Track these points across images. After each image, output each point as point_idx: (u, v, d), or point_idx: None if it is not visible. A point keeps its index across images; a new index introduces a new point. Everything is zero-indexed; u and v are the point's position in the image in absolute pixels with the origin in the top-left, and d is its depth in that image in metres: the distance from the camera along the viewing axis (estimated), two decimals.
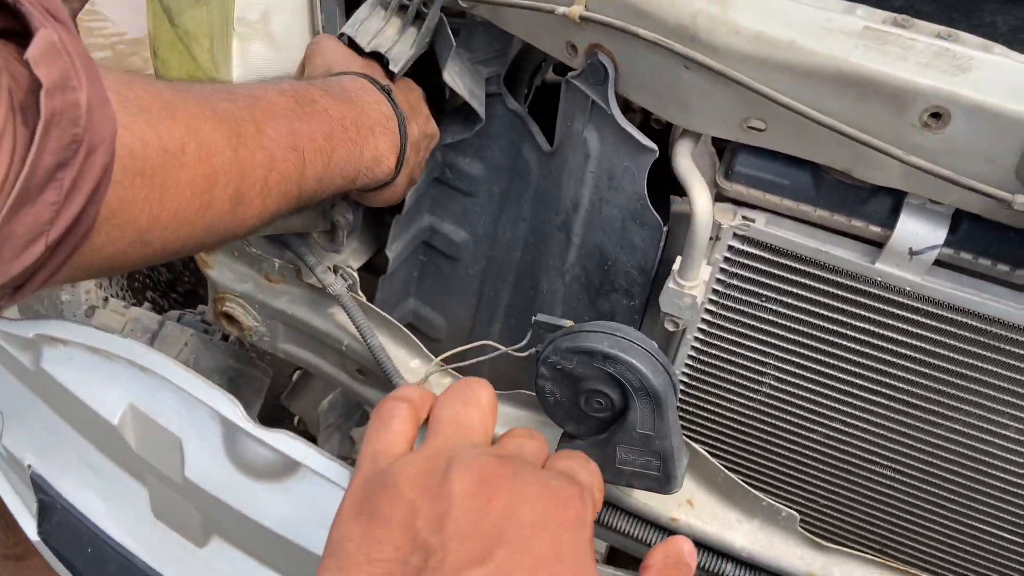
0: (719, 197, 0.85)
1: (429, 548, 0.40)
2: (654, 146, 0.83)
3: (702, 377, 0.99)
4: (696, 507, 0.88)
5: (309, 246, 1.04)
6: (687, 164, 0.80)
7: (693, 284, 0.84)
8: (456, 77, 0.96)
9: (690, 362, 0.98)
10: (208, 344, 1.25)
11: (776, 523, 0.86)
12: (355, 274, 0.99)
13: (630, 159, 0.85)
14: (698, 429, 1.06)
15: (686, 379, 1.00)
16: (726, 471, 0.86)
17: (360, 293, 1.00)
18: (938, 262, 0.79)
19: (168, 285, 1.59)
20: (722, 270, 0.87)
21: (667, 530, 0.88)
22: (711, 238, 0.85)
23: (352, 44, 0.90)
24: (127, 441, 0.91)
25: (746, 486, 0.85)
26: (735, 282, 0.88)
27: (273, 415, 1.53)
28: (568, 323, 0.84)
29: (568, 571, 0.40)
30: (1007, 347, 0.80)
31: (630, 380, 0.77)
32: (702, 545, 0.88)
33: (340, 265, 0.99)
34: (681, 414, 1.05)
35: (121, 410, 0.90)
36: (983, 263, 0.78)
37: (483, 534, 0.41)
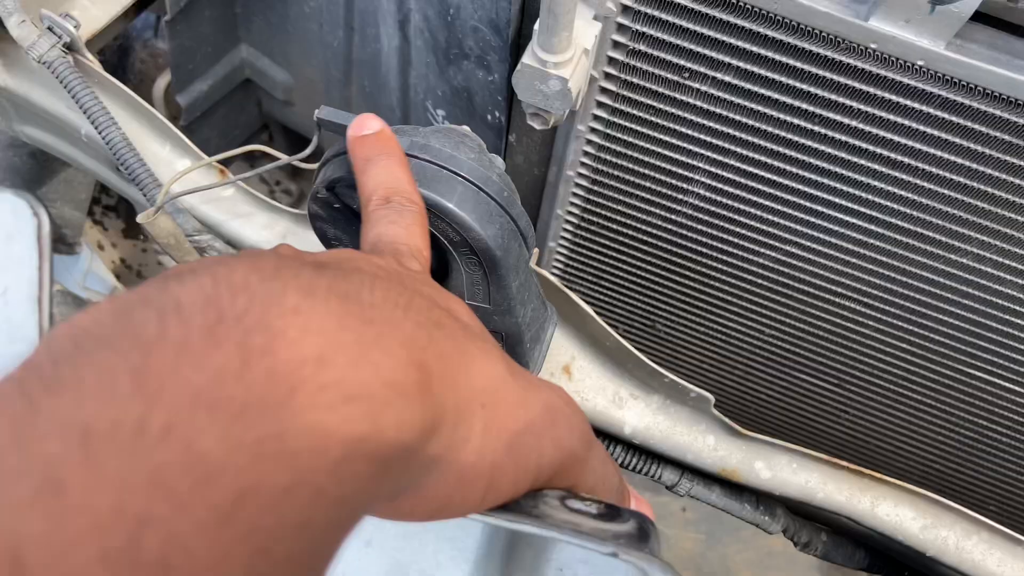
0: None
1: None
2: None
3: (602, 191, 0.68)
4: (575, 377, 0.62)
5: None
6: None
7: (563, 58, 0.50)
8: None
9: (584, 171, 0.66)
10: None
11: (683, 403, 0.60)
12: (71, 27, 0.64)
13: None
14: (598, 261, 0.77)
15: (582, 192, 0.69)
16: (617, 337, 0.58)
17: (88, 54, 0.66)
18: (979, 15, 0.45)
19: None
20: (620, 28, 0.53)
21: None
22: None
23: None
24: None
25: (642, 356, 0.59)
26: (643, 47, 0.54)
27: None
28: None
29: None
30: None
31: (444, 231, 0.47)
32: None
33: (50, 15, 0.64)
34: (577, 239, 0.76)
35: None
36: None
37: None
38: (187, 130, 0.98)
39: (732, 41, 0.51)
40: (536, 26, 0.50)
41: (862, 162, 0.55)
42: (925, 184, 0.55)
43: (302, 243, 0.65)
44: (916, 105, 0.50)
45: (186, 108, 0.94)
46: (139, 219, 0.58)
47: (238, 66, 0.98)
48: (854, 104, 0.51)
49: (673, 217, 0.68)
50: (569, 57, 0.50)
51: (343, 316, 0.24)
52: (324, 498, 0.21)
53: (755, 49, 0.51)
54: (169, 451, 0.18)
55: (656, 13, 0.51)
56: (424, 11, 0.64)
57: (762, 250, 0.67)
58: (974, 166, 0.52)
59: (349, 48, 0.83)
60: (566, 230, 0.76)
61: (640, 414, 0.61)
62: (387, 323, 0.26)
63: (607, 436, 0.63)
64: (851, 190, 0.58)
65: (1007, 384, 0.70)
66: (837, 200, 0.59)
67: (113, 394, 0.19)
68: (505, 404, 0.30)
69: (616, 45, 0.54)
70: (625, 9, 0.51)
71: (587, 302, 0.87)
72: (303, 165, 0.58)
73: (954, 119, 0.49)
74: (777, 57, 0.50)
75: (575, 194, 0.70)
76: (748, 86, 0.53)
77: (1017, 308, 0.61)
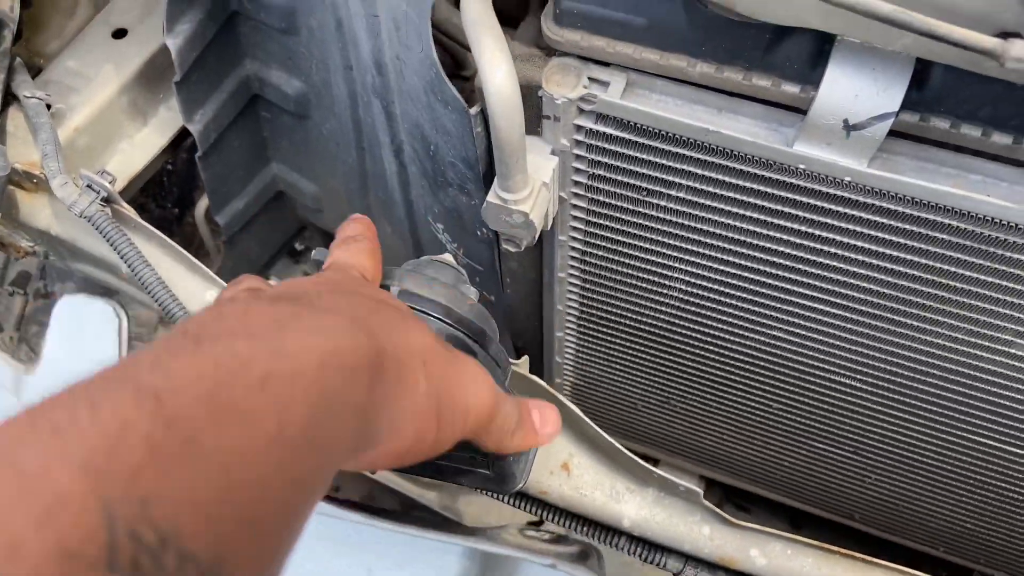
0: (551, 51, 0.53)
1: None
2: None
3: (594, 288, 0.72)
4: (574, 473, 0.65)
5: (56, 142, 0.77)
6: (475, 9, 0.49)
7: (522, 195, 0.55)
8: None
9: (574, 271, 0.71)
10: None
11: (676, 495, 0.63)
12: (107, 183, 0.72)
13: (406, 0, 0.54)
14: (605, 345, 0.81)
15: (576, 290, 0.73)
16: (608, 437, 0.62)
17: (124, 204, 0.74)
18: (895, 132, 0.48)
19: None
20: (578, 157, 0.58)
21: (538, 501, 0.67)
22: (547, 117, 0.55)
23: None
24: None
25: (632, 456, 0.62)
26: (602, 172, 0.58)
27: None
28: None
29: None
30: (1010, 255, 0.51)
31: None
32: (586, 519, 0.66)
33: (88, 174, 0.72)
34: (582, 328, 0.80)
35: None
36: (970, 133, 0.47)
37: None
38: (228, 243, 1.06)
39: (677, 166, 0.55)
40: (496, 164, 0.55)
41: (818, 259, 0.58)
42: (879, 276, 0.57)
43: None
44: (853, 212, 0.53)
45: (224, 226, 1.02)
46: None
47: (270, 182, 1.06)
48: (797, 212, 0.55)
49: (662, 308, 0.72)
50: (527, 194, 0.55)
51: (302, 306, 0.35)
52: (316, 386, 0.31)
53: (699, 171, 0.54)
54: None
55: (605, 146, 0.55)
56: (412, 144, 0.70)
57: (749, 334, 0.70)
58: (920, 260, 0.54)
59: (362, 165, 0.90)
60: (570, 321, 0.80)
61: (637, 507, 0.64)
62: (334, 306, 0.37)
63: (609, 528, 0.66)
64: (816, 282, 0.60)
65: (1012, 448, 0.70)
66: (806, 291, 0.62)
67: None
68: (440, 362, 0.39)
69: (577, 171, 0.59)
70: (577, 143, 0.56)
71: (602, 380, 0.91)
72: None
73: (890, 222, 0.52)
74: (719, 177, 0.54)
75: (570, 291, 0.75)
76: (701, 200, 0.57)
77: (997, 380, 0.63)
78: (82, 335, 0.53)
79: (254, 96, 0.93)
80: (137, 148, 0.88)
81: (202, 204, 1.03)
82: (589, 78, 0.52)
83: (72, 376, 0.54)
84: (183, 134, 0.93)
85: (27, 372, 0.57)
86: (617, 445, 0.63)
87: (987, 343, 0.59)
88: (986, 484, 0.78)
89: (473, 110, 0.55)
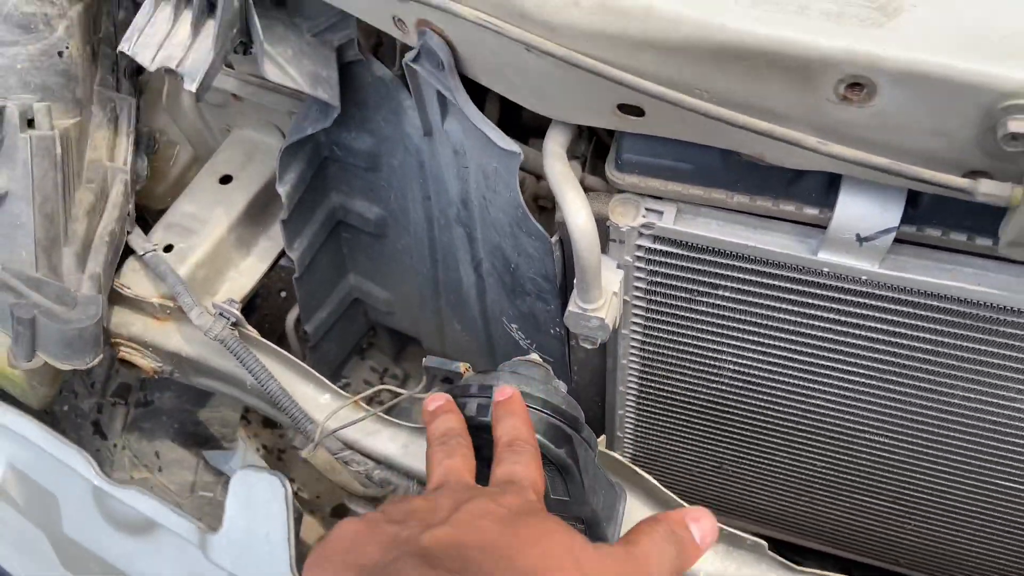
0: (616, 189, 0.67)
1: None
2: (516, 147, 0.64)
3: (651, 372, 0.84)
4: None
5: (183, 281, 0.91)
6: (558, 168, 0.62)
7: (598, 305, 0.68)
8: (290, 66, 0.77)
9: (634, 359, 0.83)
10: None
11: (743, 547, 0.74)
12: (236, 311, 0.85)
13: (496, 159, 0.67)
14: (662, 420, 0.92)
15: (636, 374, 0.85)
16: (679, 500, 0.73)
17: (249, 328, 0.87)
18: (899, 240, 0.60)
19: None
20: (639, 268, 0.70)
21: None
22: (614, 240, 0.68)
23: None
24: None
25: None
26: (659, 279, 0.71)
27: None
28: (461, 367, 0.70)
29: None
30: (1003, 330, 0.63)
31: None
32: None
33: (220, 304, 0.86)
34: (640, 406, 0.92)
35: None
36: (957, 238, 0.59)
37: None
38: (312, 349, 1.19)
39: (722, 272, 0.67)
40: (575, 281, 0.68)
41: (844, 339, 0.70)
42: (898, 351, 0.69)
43: (419, 449, 0.83)
44: (870, 302, 0.65)
45: (312, 333, 1.15)
46: (303, 455, 0.77)
47: (348, 292, 1.20)
48: (824, 303, 0.67)
49: (713, 387, 0.83)
50: (602, 303, 0.68)
51: None
52: None
53: (740, 275, 0.67)
54: None
55: (661, 259, 0.68)
56: (492, 260, 0.83)
57: (792, 404, 0.81)
58: (930, 336, 0.66)
59: (435, 274, 1.03)
60: (629, 400, 0.92)
61: (710, 560, 0.75)
62: None
63: None
64: (845, 358, 0.72)
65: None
66: (838, 367, 0.73)
67: None
68: None
69: (638, 278, 0.72)
70: (638, 258, 0.69)
71: (659, 450, 1.02)
72: (419, 396, 0.76)
73: (902, 308, 0.64)
74: (757, 279, 0.67)
75: (631, 375, 0.87)
76: (743, 297, 0.69)
77: (1009, 431, 0.73)
78: (255, 501, 0.67)
79: (338, 221, 1.08)
80: (243, 275, 1.02)
81: (291, 316, 1.17)
82: (646, 208, 0.65)
83: (248, 537, 0.67)
84: (278, 258, 1.07)
85: (211, 532, 0.69)
86: (687, 506, 0.73)
87: (996, 400, 0.70)
88: (1017, 524, 0.87)
89: (553, 239, 0.68)
